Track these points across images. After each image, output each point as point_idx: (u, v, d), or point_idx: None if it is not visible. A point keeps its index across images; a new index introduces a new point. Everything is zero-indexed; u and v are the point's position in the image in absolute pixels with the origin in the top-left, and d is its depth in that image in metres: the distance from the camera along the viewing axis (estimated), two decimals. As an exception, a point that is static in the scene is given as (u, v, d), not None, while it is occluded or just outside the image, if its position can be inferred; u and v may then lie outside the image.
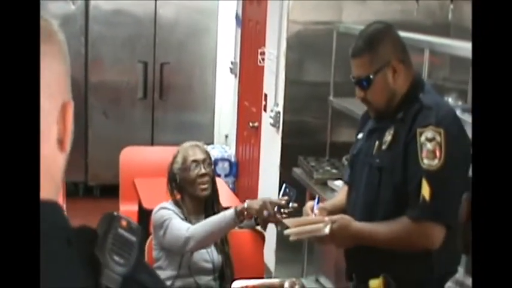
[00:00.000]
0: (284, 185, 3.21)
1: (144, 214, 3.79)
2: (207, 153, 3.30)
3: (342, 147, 4.15)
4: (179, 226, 3.03)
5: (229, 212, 3.01)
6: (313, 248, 4.33)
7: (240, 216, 2.98)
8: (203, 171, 3.19)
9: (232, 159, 6.13)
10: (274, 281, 3.25)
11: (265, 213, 3.02)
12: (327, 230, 2.31)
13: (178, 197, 3.24)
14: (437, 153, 2.22)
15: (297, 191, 3.24)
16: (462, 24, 4.31)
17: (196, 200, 3.22)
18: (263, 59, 5.19)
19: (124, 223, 0.93)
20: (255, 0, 5.57)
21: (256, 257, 3.57)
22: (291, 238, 2.38)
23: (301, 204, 2.80)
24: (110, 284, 0.89)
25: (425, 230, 2.27)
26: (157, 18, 6.29)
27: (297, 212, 2.90)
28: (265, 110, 5.13)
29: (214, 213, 3.25)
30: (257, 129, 5.42)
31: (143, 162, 4.98)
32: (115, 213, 0.94)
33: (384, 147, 2.39)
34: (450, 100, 3.40)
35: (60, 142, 0.94)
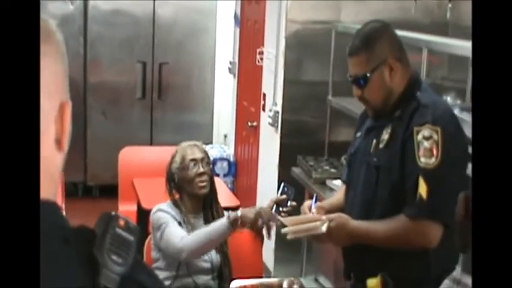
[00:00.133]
0: (282, 184, 3.21)
1: (143, 214, 3.79)
2: (205, 153, 3.30)
3: (340, 146, 4.15)
4: (174, 234, 3.03)
5: (222, 221, 3.00)
6: (312, 247, 4.34)
7: (233, 224, 2.98)
8: (201, 170, 3.20)
9: (231, 159, 6.13)
10: (273, 280, 3.25)
11: (260, 222, 3.03)
12: (324, 229, 2.31)
13: (176, 196, 3.24)
14: (434, 152, 2.22)
15: (295, 190, 3.25)
16: (460, 23, 4.31)
17: (195, 198, 3.23)
18: (262, 59, 5.19)
19: (122, 223, 0.93)
20: (254, -1, 5.57)
21: (255, 257, 3.58)
22: (289, 237, 2.39)
23: (300, 203, 2.80)
24: (108, 284, 0.89)
25: (422, 228, 2.27)
26: (155, 18, 6.29)
27: (296, 211, 2.90)
28: (263, 110, 5.13)
29: (212, 212, 3.25)
30: (256, 129, 5.42)
31: (142, 162, 4.98)
32: (113, 212, 0.94)
33: (381, 145, 2.40)
34: (449, 99, 3.40)
35: (58, 142, 0.94)
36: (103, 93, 6.32)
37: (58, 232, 0.90)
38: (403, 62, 2.42)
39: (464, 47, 3.03)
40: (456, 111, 2.77)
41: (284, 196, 3.18)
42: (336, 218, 2.35)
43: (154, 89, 6.40)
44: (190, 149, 3.26)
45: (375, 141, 2.44)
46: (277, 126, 4.76)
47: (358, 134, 2.62)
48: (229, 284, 3.13)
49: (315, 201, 2.66)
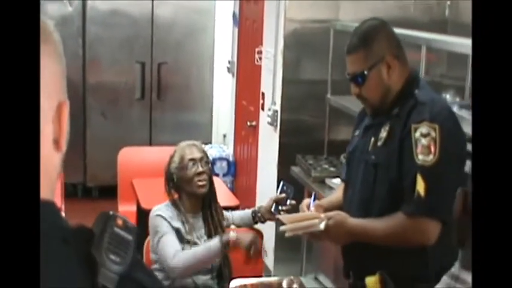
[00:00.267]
0: (282, 183, 3.22)
1: (143, 214, 3.79)
2: (204, 152, 3.30)
3: (339, 145, 4.15)
4: (168, 248, 3.05)
5: (215, 242, 3.02)
6: (312, 246, 4.33)
7: (225, 247, 3.01)
8: (200, 169, 3.20)
9: (230, 159, 6.13)
10: (273, 279, 3.26)
11: (253, 248, 3.06)
12: (322, 226, 2.32)
13: (175, 196, 3.24)
14: (432, 149, 2.22)
15: (294, 188, 3.25)
16: (459, 20, 4.31)
17: (194, 198, 3.23)
18: (260, 58, 5.19)
19: (120, 222, 0.93)
20: (252, -1, 5.57)
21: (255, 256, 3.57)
22: (287, 234, 2.39)
23: (299, 202, 2.80)
24: (107, 283, 0.89)
25: (420, 226, 2.27)
26: (154, 18, 6.29)
27: (295, 210, 2.90)
28: (262, 109, 5.13)
29: (211, 212, 3.26)
30: (255, 128, 5.42)
31: (141, 163, 4.98)
32: (111, 212, 0.94)
33: (379, 143, 2.40)
34: (448, 97, 3.40)
35: (56, 142, 0.94)
36: (102, 94, 6.31)
37: (56, 232, 0.90)
38: (400, 60, 2.42)
39: (463, 44, 3.03)
40: (455, 109, 2.77)
41: (283, 195, 3.19)
42: (334, 216, 2.35)
43: (153, 89, 6.40)
44: (189, 149, 3.26)
45: (373, 139, 2.44)
46: (276, 125, 4.76)
47: (357, 133, 2.62)
48: (228, 284, 3.13)
49: (314, 200, 2.67)
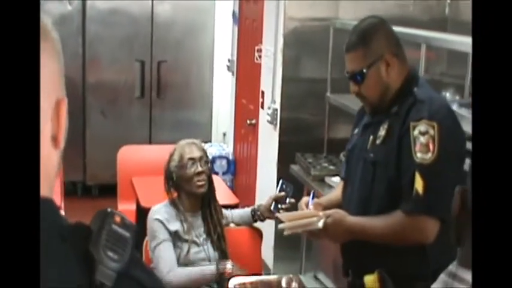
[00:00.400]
0: (281, 181, 3.22)
1: (142, 213, 3.79)
2: (204, 151, 3.30)
3: (339, 143, 4.14)
4: (164, 261, 3.06)
5: (210, 270, 3.06)
6: (312, 244, 4.34)
7: (221, 276, 3.05)
8: (200, 169, 3.19)
9: (230, 157, 6.13)
10: (272, 277, 3.26)
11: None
12: (320, 224, 2.32)
13: (175, 195, 3.24)
14: (431, 147, 2.22)
15: (294, 187, 3.25)
16: (459, 18, 4.31)
17: (193, 197, 3.23)
18: (260, 56, 5.19)
19: (118, 219, 0.93)
20: (252, -3, 5.57)
21: (254, 254, 3.58)
22: (285, 232, 2.40)
23: (299, 200, 2.80)
24: (105, 280, 0.89)
25: (418, 224, 2.27)
26: (154, 16, 6.29)
27: (294, 208, 2.90)
28: (262, 107, 5.13)
29: (210, 211, 3.25)
30: (254, 127, 5.42)
31: (141, 161, 4.98)
32: (108, 209, 0.94)
33: (378, 141, 2.40)
34: (448, 95, 3.40)
35: (54, 139, 0.94)
36: (102, 93, 6.31)
37: (55, 229, 0.90)
38: (400, 58, 2.41)
39: (463, 42, 3.03)
40: (455, 107, 2.77)
41: (283, 193, 3.19)
42: (333, 214, 2.35)
43: (153, 87, 6.40)
44: (188, 148, 3.26)
45: (371, 137, 2.44)
46: (276, 124, 4.76)
47: (356, 131, 2.62)
48: (227, 282, 3.13)
49: (312, 198, 2.67)
